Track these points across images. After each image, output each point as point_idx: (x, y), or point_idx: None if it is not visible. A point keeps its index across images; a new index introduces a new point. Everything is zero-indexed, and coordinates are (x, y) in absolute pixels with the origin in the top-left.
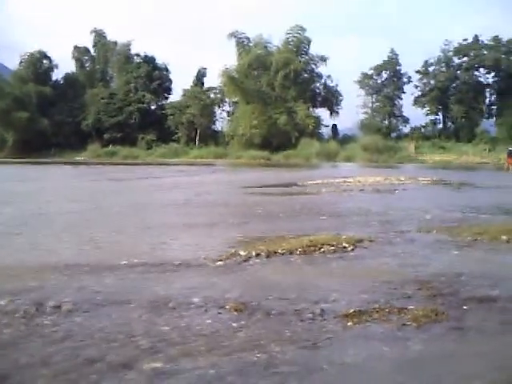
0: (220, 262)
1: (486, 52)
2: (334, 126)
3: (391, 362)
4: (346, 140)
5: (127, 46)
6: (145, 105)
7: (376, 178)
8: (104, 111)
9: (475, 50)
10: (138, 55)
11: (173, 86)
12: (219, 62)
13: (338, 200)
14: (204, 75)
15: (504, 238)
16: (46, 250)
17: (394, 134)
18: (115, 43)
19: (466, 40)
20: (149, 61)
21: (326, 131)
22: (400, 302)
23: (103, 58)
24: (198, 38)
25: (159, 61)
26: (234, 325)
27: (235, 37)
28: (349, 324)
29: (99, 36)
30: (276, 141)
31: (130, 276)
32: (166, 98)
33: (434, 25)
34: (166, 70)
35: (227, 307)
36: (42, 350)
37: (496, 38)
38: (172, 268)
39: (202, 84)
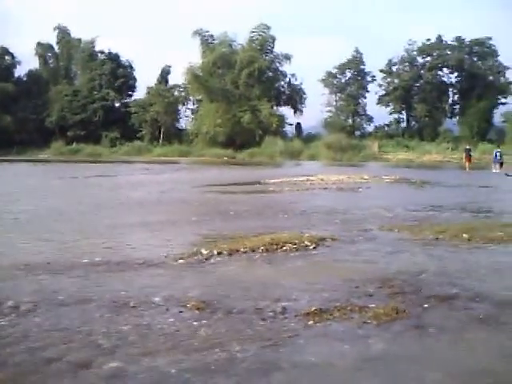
0: (181, 261)
1: (449, 52)
2: (298, 124)
3: (352, 360)
4: (309, 138)
5: (91, 43)
6: (109, 102)
7: (339, 177)
8: (68, 108)
9: (439, 50)
10: (102, 52)
11: (137, 83)
12: (184, 59)
13: (301, 198)
14: (168, 73)
15: (465, 236)
16: (4, 250)
17: (357, 133)
18: (79, 40)
19: (429, 40)
20: (113, 58)
21: (290, 130)
22: (361, 300)
23: (67, 54)
24: (162, 35)
25: (123, 58)
26: (195, 323)
27: (199, 35)
28: (310, 322)
29: (63, 33)
30: (240, 139)
31: (91, 275)
32: (130, 96)
33: (397, 25)
34: (131, 67)
35: (188, 306)
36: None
37: (459, 39)
38: (133, 267)
39: (167, 82)
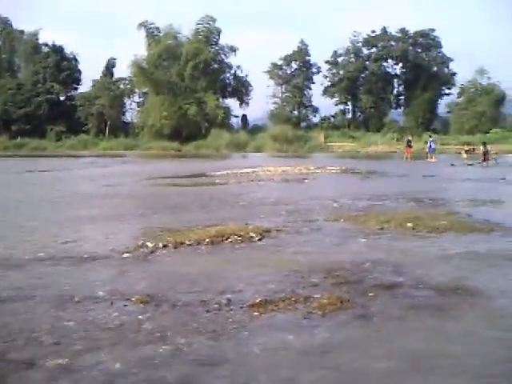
0: (127, 254)
1: (393, 43)
2: (244, 116)
3: (296, 350)
4: (255, 130)
5: (34, 35)
6: (54, 96)
7: (285, 168)
8: (11, 102)
9: (383, 42)
10: (46, 45)
11: (82, 76)
12: (129, 52)
13: (247, 190)
14: (114, 65)
15: (409, 225)
16: None
17: (303, 124)
18: (22, 32)
19: (374, 31)
20: (57, 51)
21: (235, 121)
22: (306, 290)
23: (9, 47)
24: (107, 27)
25: (68, 51)
26: (140, 317)
27: (145, 27)
28: (255, 314)
29: (4, 24)
30: (186, 131)
31: (36, 271)
32: (76, 89)
33: (343, 16)
34: (75, 60)
35: (133, 299)
36: None
37: (403, 30)
38: (79, 261)
39: (112, 74)
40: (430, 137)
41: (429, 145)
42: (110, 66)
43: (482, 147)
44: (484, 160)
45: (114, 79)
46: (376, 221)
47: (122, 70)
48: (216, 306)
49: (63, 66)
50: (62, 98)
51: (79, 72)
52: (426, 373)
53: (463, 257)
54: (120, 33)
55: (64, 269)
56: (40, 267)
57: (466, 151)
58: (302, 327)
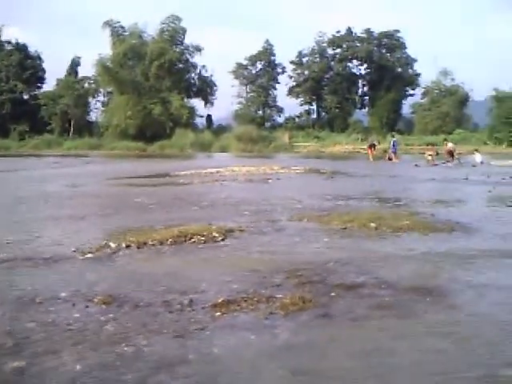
0: (90, 255)
1: (358, 44)
2: (209, 116)
3: (258, 350)
4: (220, 130)
5: None
6: (17, 94)
7: (249, 168)
8: None
9: (348, 42)
10: (9, 42)
11: (46, 75)
12: (94, 50)
13: (211, 190)
14: (78, 64)
15: (373, 225)
16: None
17: (268, 124)
18: None
19: (339, 32)
20: (21, 49)
21: (200, 121)
22: (269, 290)
23: None
24: (71, 26)
25: (32, 49)
26: (102, 318)
27: (110, 25)
28: (217, 314)
29: None
30: (151, 131)
31: None
32: (40, 88)
33: (308, 16)
34: (39, 58)
35: (95, 300)
36: None
37: (368, 31)
38: (40, 262)
39: (76, 73)
40: (393, 137)
41: (392, 144)
42: (74, 65)
43: (444, 145)
44: (451, 158)
45: (78, 78)
46: (339, 221)
47: (86, 69)
48: (178, 306)
49: (27, 65)
50: (25, 97)
51: (43, 71)
52: (387, 373)
53: (425, 257)
54: (85, 32)
55: (25, 270)
56: (1, 268)
57: (430, 155)
58: (264, 327)
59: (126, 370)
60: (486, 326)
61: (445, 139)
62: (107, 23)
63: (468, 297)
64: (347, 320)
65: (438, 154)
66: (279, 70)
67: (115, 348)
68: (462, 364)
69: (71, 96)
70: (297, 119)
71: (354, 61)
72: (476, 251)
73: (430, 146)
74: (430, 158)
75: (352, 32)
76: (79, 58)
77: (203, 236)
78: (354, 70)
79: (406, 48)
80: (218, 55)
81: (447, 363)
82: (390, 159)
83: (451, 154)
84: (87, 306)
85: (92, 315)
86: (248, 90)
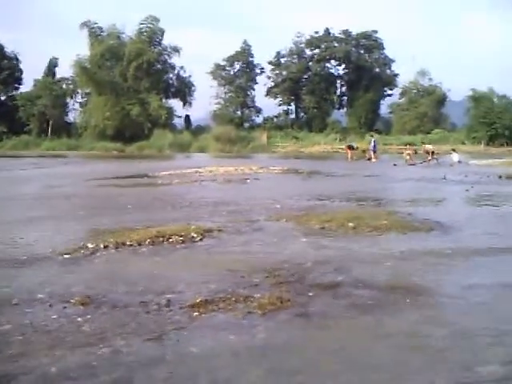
0: (67, 256)
1: (336, 44)
2: (187, 116)
3: (236, 350)
4: (199, 131)
5: None
6: None
7: (228, 168)
8: None
9: (326, 43)
10: None
11: (24, 76)
12: (72, 51)
13: (190, 190)
14: (56, 65)
15: (351, 224)
16: None
17: (246, 125)
18: None
19: (317, 32)
20: None
21: (179, 122)
22: (247, 290)
23: None
24: (49, 26)
25: (8, 49)
26: (79, 319)
27: (87, 26)
28: (195, 314)
29: None
30: (129, 132)
31: None
32: (17, 89)
33: (286, 17)
34: (16, 59)
35: (73, 301)
36: None
37: (346, 32)
38: (18, 263)
39: (54, 74)
40: (372, 136)
41: (372, 144)
42: (52, 66)
43: (423, 147)
44: (430, 158)
45: (56, 79)
46: (317, 220)
47: (64, 70)
48: (156, 306)
49: (3, 65)
50: (2, 98)
51: (20, 71)
52: (364, 371)
53: (403, 256)
54: (62, 32)
55: (2, 271)
56: None
57: (408, 154)
58: (241, 327)
59: (103, 371)
60: (462, 323)
61: (423, 142)
62: (85, 24)
63: (444, 297)
64: (324, 319)
65: (416, 152)
66: (257, 71)
67: (92, 349)
68: (439, 363)
69: (49, 97)
70: (275, 119)
71: (332, 61)
72: (453, 250)
73: (408, 146)
74: (408, 157)
75: (330, 33)
76: (57, 58)
77: (181, 236)
78: (332, 71)
79: (383, 48)
80: (197, 56)
81: (424, 362)
82: (369, 159)
83: (430, 153)
84: (65, 307)
85: (69, 316)
86: (226, 90)
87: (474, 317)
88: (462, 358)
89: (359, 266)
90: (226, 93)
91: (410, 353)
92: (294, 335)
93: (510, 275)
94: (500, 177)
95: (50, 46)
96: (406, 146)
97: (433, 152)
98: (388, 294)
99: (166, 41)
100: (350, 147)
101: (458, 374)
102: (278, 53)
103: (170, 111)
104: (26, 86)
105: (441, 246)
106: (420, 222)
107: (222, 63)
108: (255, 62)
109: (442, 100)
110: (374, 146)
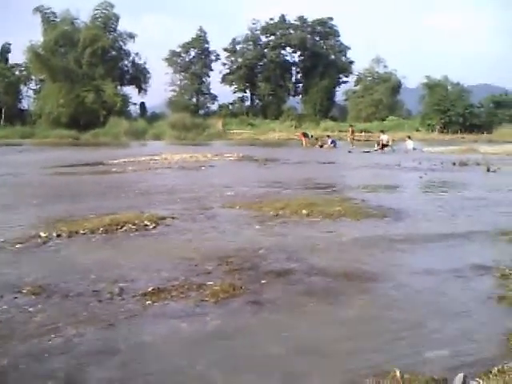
0: (19, 245)
1: (292, 31)
2: (143, 103)
3: (188, 338)
4: (154, 118)
5: None
6: None
7: (183, 156)
8: None
9: (282, 30)
10: None
11: None
12: (26, 37)
13: (144, 178)
14: (9, 51)
15: (304, 212)
16: None
17: (202, 112)
18: None
19: (272, 19)
20: None
21: (134, 109)
22: (200, 278)
23: None
24: (1, 11)
25: None
26: (31, 309)
27: (40, 11)
28: (148, 302)
29: None
30: (84, 119)
31: None
32: None
33: (242, 4)
34: None
35: (24, 291)
36: None
37: (301, 18)
38: None
39: (7, 60)
40: (328, 137)
41: (330, 141)
42: (4, 52)
43: (380, 136)
44: (381, 148)
45: (9, 65)
46: (271, 207)
47: (17, 56)
48: (108, 295)
49: None
50: None
51: None
52: (313, 357)
53: (356, 243)
54: (15, 17)
55: None
56: None
57: (352, 137)
58: (194, 315)
59: (54, 361)
60: (412, 309)
61: (381, 130)
62: (38, 9)
63: (397, 283)
64: (277, 306)
65: (353, 132)
66: (213, 58)
67: (44, 339)
68: (390, 347)
69: (1, 83)
70: (231, 106)
71: (288, 48)
72: (405, 236)
73: (350, 128)
74: (349, 139)
75: (285, 19)
76: (9, 44)
77: (135, 224)
78: (288, 58)
79: (339, 36)
80: (152, 42)
81: (376, 347)
82: (321, 146)
83: (382, 145)
84: (16, 298)
85: (20, 306)
86: (181, 77)
87: (423, 302)
88: (412, 343)
89: (312, 253)
90: (181, 80)
91: (359, 339)
92: (245, 322)
93: (459, 261)
94: (454, 164)
95: (2, 31)
96: (349, 127)
97: (384, 145)
98: (340, 281)
99: (122, 27)
100: (305, 135)
101: (408, 358)
102: (234, 39)
103: (125, 98)
104: None
105: (393, 233)
106: (373, 209)
107: (178, 50)
108: (211, 49)
109: (396, 87)
110: (333, 142)
